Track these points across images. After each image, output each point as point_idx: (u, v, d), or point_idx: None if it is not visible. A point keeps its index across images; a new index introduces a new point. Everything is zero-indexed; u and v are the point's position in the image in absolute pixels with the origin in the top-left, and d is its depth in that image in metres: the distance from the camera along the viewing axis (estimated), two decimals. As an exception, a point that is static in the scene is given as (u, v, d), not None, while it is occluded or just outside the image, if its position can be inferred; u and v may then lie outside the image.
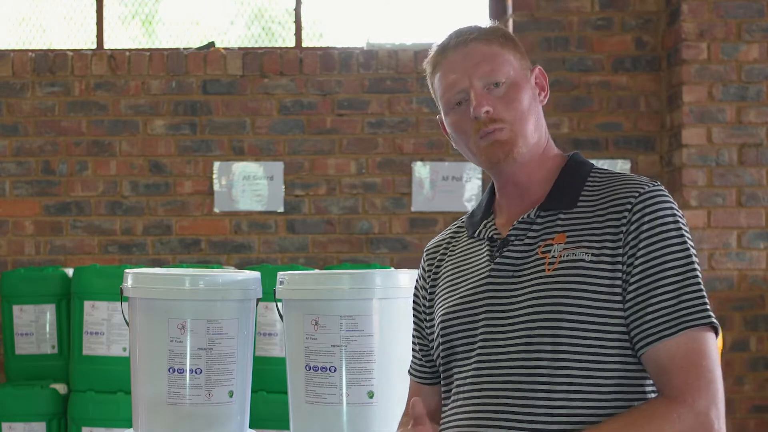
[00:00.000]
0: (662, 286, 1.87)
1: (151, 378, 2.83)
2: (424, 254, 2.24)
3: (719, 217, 5.37)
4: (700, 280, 1.88)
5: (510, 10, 5.82)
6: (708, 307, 1.87)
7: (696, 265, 1.89)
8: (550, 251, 1.96)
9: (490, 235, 2.06)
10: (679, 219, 1.92)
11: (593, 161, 6.38)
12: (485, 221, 2.10)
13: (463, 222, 2.20)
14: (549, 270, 1.93)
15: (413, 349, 2.24)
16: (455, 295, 2.06)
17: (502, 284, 1.99)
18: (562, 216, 1.99)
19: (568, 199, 2.00)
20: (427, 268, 2.20)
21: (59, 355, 4.74)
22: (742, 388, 5.38)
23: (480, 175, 5.73)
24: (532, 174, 2.04)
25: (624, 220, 1.91)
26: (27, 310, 4.77)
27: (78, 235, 5.78)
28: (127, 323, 2.93)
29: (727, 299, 5.35)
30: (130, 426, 2.98)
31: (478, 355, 1.98)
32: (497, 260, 2.01)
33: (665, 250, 1.88)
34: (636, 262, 1.88)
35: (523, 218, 2.02)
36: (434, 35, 6.18)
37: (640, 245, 1.89)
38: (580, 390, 1.88)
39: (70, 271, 4.78)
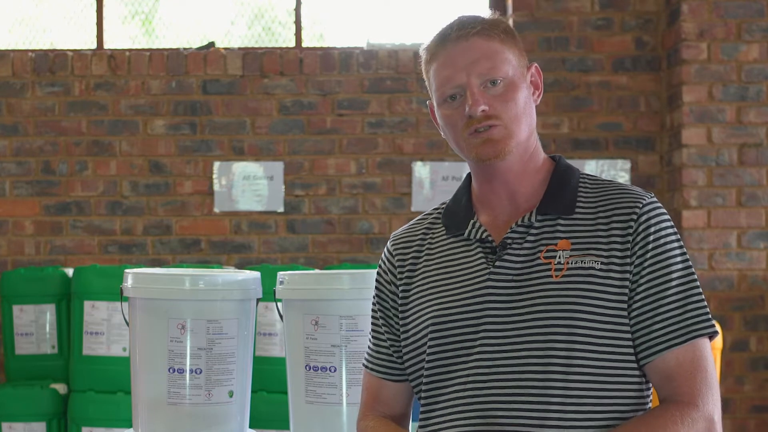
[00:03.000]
0: (669, 296, 1.91)
1: (151, 378, 2.83)
2: (391, 246, 2.16)
3: (719, 217, 5.37)
4: (700, 289, 1.94)
5: (510, 10, 5.82)
6: (709, 314, 1.93)
7: (695, 275, 1.95)
8: (554, 257, 1.94)
9: (481, 236, 2.02)
10: (675, 230, 1.97)
11: (593, 161, 6.33)
12: (471, 220, 2.05)
13: (436, 217, 2.14)
14: (556, 277, 1.93)
15: (375, 343, 2.18)
16: (447, 297, 2.01)
17: (503, 288, 1.96)
18: (561, 221, 1.98)
19: (566, 204, 1.99)
20: (397, 263, 2.13)
21: (59, 355, 4.75)
22: (742, 388, 5.38)
23: (480, 175, 5.72)
24: (522, 174, 2.03)
25: (630, 230, 1.93)
26: (27, 310, 4.77)
27: (78, 235, 5.78)
28: (127, 323, 2.93)
29: (727, 299, 5.34)
30: (130, 426, 2.98)
31: (479, 360, 1.94)
32: (497, 264, 1.97)
33: (669, 261, 1.93)
34: (643, 272, 1.92)
35: (520, 222, 1.99)
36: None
37: (647, 255, 1.92)
38: (593, 397, 1.90)
39: (70, 271, 4.78)
